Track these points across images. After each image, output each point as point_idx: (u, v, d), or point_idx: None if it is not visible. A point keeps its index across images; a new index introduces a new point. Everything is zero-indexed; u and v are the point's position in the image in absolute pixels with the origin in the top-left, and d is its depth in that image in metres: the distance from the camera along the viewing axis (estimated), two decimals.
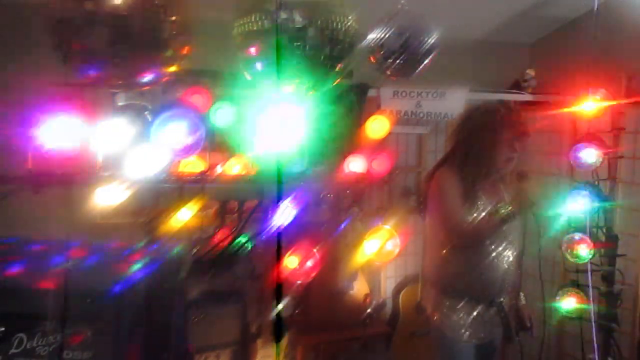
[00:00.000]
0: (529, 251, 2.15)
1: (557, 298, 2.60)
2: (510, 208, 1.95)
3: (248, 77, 1.74)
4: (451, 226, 2.01)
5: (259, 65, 1.65)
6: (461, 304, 2.07)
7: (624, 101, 2.58)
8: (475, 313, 2.06)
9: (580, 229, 2.55)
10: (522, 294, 2.21)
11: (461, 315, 2.06)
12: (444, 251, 2.08)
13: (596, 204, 2.52)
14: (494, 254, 2.03)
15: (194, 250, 2.17)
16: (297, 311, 2.86)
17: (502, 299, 2.10)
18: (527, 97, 3.30)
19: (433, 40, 2.12)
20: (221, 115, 2.08)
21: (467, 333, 2.06)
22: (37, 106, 1.83)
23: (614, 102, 2.54)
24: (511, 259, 2.07)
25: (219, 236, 2.18)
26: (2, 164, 1.84)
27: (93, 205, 2.00)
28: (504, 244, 2.05)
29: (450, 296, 2.10)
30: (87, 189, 1.95)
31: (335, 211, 2.85)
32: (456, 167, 2.08)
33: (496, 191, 2.11)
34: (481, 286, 2.06)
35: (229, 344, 2.72)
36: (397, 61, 2.15)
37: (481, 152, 2.03)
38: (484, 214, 2.02)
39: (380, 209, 3.18)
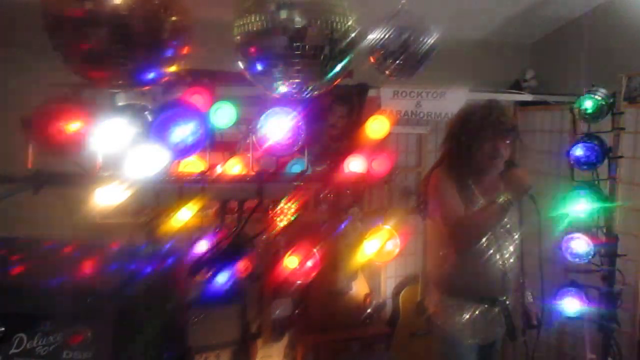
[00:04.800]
0: (528, 250, 2.14)
1: (558, 298, 2.60)
2: (506, 195, 1.91)
3: (248, 77, 1.74)
4: (453, 223, 1.99)
5: (259, 65, 1.64)
6: (464, 304, 2.07)
7: (623, 101, 2.58)
8: (478, 313, 2.06)
9: (580, 229, 2.56)
10: (528, 292, 2.20)
11: (464, 315, 2.06)
12: (446, 251, 2.07)
13: (596, 204, 2.52)
14: (494, 252, 2.02)
15: (194, 249, 2.16)
16: (297, 311, 2.86)
17: (505, 298, 2.10)
18: (527, 97, 3.30)
19: (433, 40, 2.12)
20: (221, 115, 2.08)
21: (470, 333, 2.06)
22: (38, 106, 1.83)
23: (613, 102, 2.53)
24: (512, 257, 2.07)
25: (219, 236, 2.17)
26: (2, 164, 1.84)
27: (93, 205, 2.00)
28: (504, 242, 2.05)
29: (453, 296, 2.09)
30: (87, 189, 1.95)
31: (335, 211, 2.85)
32: (447, 168, 2.08)
33: (493, 190, 2.09)
34: (483, 285, 2.05)
35: (229, 344, 2.71)
36: (397, 61, 2.15)
37: (466, 152, 2.02)
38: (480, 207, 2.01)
39: (380, 209, 3.18)
